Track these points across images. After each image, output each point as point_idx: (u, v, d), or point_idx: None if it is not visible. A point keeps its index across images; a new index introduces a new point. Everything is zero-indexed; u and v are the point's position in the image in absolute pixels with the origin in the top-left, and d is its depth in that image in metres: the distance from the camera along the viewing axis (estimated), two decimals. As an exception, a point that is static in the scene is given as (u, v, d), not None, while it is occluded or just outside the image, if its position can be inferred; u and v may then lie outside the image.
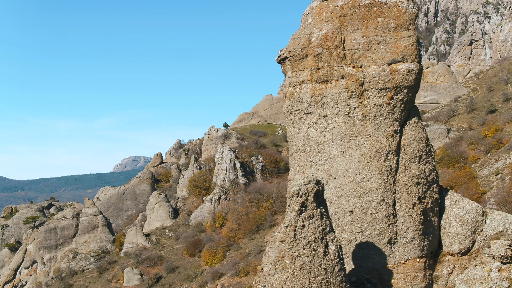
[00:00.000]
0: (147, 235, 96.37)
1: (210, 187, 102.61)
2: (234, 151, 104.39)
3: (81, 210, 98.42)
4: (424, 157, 15.75)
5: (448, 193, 16.70)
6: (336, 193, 15.34)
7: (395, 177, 15.31)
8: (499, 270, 15.48)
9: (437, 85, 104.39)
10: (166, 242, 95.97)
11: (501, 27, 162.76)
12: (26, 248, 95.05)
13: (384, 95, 15.23)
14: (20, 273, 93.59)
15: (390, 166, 15.23)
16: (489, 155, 75.97)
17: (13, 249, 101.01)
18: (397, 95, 15.33)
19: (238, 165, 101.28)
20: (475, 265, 15.60)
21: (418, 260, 15.30)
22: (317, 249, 13.00)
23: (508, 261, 15.57)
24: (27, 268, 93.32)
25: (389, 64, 15.30)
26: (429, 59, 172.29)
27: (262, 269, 13.02)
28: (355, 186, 15.15)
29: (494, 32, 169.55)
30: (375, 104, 15.23)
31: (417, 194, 15.35)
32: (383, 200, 15.06)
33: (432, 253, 15.98)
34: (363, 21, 15.31)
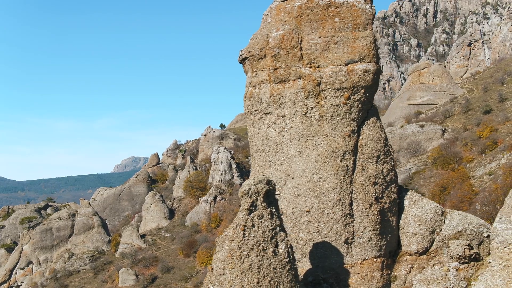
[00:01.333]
0: (142, 236, 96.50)
1: (206, 187, 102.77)
2: (230, 152, 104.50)
3: (76, 211, 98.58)
4: (382, 157, 15.77)
5: (408, 193, 16.72)
6: (294, 193, 15.38)
7: (352, 177, 15.34)
8: (457, 270, 15.48)
9: (433, 86, 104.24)
10: (161, 242, 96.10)
11: (500, 27, 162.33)
12: (22, 248, 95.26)
13: (341, 95, 15.27)
14: (16, 273, 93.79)
15: (347, 166, 15.26)
16: (483, 155, 75.90)
17: (9, 249, 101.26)
18: (354, 95, 15.36)
19: (234, 165, 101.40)
20: (433, 265, 15.61)
21: (375, 260, 15.32)
22: (266, 249, 13.04)
23: (466, 261, 15.58)
24: (23, 268, 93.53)
25: (346, 64, 15.34)
26: (428, 60, 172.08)
27: (212, 269, 13.07)
28: (312, 186, 15.18)
29: (493, 33, 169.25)
30: (332, 104, 15.27)
31: (374, 194, 15.37)
32: (340, 200, 15.09)
33: (391, 253, 15.99)
34: (320, 21, 15.35)
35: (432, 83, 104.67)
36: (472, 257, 15.71)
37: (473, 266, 15.62)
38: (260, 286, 12.80)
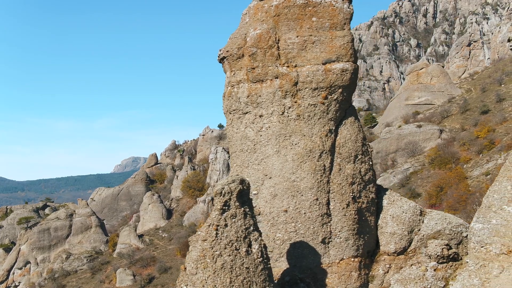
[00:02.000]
0: (140, 236, 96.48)
1: (204, 187, 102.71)
2: (228, 152, 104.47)
3: (74, 211, 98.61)
4: (360, 157, 15.73)
5: (387, 192, 16.67)
6: (272, 192, 15.35)
7: (329, 176, 15.30)
8: (435, 270, 15.44)
9: (431, 86, 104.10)
10: (159, 242, 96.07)
11: (500, 28, 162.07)
12: (20, 248, 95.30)
13: (318, 95, 15.23)
14: (14, 273, 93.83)
15: (324, 165, 15.22)
16: (480, 156, 75.74)
17: (7, 249, 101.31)
18: (331, 95, 15.32)
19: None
20: (411, 265, 15.57)
21: (352, 259, 15.28)
22: (239, 248, 13.01)
23: (444, 260, 15.53)
24: (21, 268, 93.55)
25: (323, 64, 15.29)
26: (428, 60, 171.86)
27: (185, 268, 13.05)
28: (289, 185, 15.15)
29: (492, 33, 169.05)
30: (309, 104, 15.23)
31: (351, 194, 15.33)
32: (317, 199, 15.06)
33: (369, 252, 15.95)
34: (297, 20, 15.32)
35: (430, 83, 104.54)
36: (451, 257, 15.67)
37: (451, 266, 15.58)
38: (233, 285, 12.77)
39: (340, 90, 15.38)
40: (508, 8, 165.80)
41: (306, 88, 15.21)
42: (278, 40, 15.43)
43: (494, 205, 14.75)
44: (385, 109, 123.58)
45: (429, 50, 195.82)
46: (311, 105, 15.23)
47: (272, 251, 15.27)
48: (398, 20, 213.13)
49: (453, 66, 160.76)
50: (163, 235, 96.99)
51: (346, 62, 15.38)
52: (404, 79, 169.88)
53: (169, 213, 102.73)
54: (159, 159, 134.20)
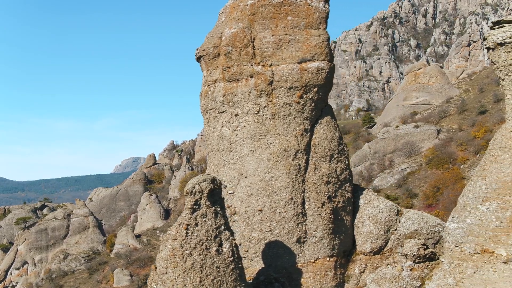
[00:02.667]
0: (138, 236, 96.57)
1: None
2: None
3: (72, 211, 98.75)
4: (335, 156, 15.68)
5: (364, 192, 16.61)
6: (247, 192, 15.31)
7: (304, 176, 15.26)
8: (411, 269, 15.39)
9: (429, 86, 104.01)
10: (156, 243, 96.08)
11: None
12: (17, 248, 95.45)
13: (294, 94, 15.19)
14: (11, 273, 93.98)
15: (299, 165, 15.18)
16: (478, 156, 75.59)
17: (5, 249, 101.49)
18: (306, 94, 15.28)
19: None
20: (387, 264, 15.52)
21: (328, 259, 15.23)
22: (209, 248, 12.98)
23: (420, 260, 15.48)
24: (18, 269, 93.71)
25: (299, 63, 15.26)
26: (428, 60, 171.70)
27: (156, 268, 13.03)
28: (264, 185, 15.11)
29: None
30: (284, 103, 15.20)
31: (327, 193, 15.29)
32: (292, 199, 15.02)
33: (345, 252, 15.90)
34: (273, 19, 15.29)
35: (428, 83, 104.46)
36: (428, 256, 15.62)
37: (428, 265, 15.53)
38: (203, 285, 12.74)
39: (315, 89, 15.35)
40: (507, 8, 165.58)
41: (281, 87, 15.18)
42: (253, 39, 15.41)
43: (469, 204, 14.72)
44: (383, 109, 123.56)
45: (428, 50, 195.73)
46: (286, 104, 15.20)
47: (247, 251, 15.24)
48: (397, 20, 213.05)
49: (453, 66, 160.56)
50: (161, 235, 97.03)
51: (321, 61, 15.34)
52: (403, 79, 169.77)
53: (167, 213, 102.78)
54: (157, 159, 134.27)
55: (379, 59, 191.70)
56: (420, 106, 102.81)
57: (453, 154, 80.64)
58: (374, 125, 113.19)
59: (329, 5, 15.69)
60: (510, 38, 13.80)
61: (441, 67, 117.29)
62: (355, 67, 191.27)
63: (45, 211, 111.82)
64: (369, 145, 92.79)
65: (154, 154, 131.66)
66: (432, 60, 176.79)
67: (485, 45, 14.55)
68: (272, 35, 15.29)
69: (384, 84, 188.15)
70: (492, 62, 14.69)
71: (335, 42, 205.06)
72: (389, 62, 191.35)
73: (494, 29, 14.36)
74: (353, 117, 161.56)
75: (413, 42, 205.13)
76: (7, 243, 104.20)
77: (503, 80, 14.34)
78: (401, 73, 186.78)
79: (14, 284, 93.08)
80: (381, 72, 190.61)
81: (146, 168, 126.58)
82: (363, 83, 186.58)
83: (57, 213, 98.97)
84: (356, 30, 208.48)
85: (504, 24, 14.13)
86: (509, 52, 13.87)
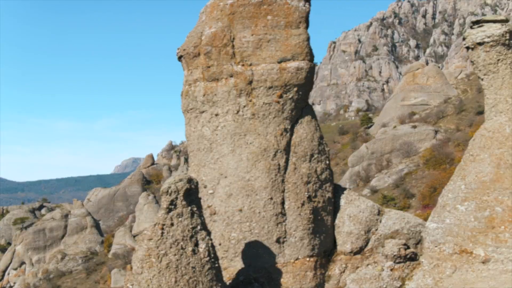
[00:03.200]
0: (135, 236, 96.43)
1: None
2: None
3: (69, 211, 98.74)
4: (316, 156, 15.64)
5: (345, 192, 16.58)
6: (227, 192, 15.28)
7: (284, 175, 15.22)
8: (391, 270, 15.34)
9: (427, 87, 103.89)
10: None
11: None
12: (15, 249, 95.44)
13: (273, 94, 15.16)
14: (9, 274, 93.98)
15: (279, 164, 15.15)
16: (475, 156, 75.53)
17: (4, 250, 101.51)
18: (286, 94, 15.25)
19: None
20: (367, 265, 15.47)
21: (308, 259, 15.18)
22: (185, 248, 12.95)
23: (401, 260, 15.43)
24: (16, 269, 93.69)
25: (279, 63, 15.24)
26: (427, 61, 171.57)
27: (131, 268, 13.00)
28: (244, 184, 15.08)
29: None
30: (264, 103, 15.17)
31: (306, 193, 15.25)
32: (271, 199, 14.98)
33: (326, 252, 15.86)
34: (252, 19, 15.26)
35: (426, 83, 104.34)
36: (409, 256, 15.57)
37: (408, 265, 15.48)
38: (178, 285, 12.71)
39: (295, 89, 15.32)
40: (507, 9, 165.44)
41: (260, 87, 15.16)
42: (233, 38, 15.38)
43: (448, 204, 14.68)
44: (381, 110, 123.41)
45: (428, 50, 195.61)
46: (266, 104, 15.17)
47: (227, 251, 15.20)
48: (397, 20, 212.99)
49: (452, 66, 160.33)
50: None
51: (301, 60, 15.31)
52: (402, 79, 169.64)
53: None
54: (156, 159, 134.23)
55: (378, 59, 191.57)
56: (418, 107, 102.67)
57: (450, 154, 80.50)
58: (372, 125, 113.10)
59: (309, 5, 15.67)
60: (488, 37, 13.78)
61: (439, 67, 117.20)
62: (354, 67, 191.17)
63: (43, 211, 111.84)
64: (366, 145, 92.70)
65: (152, 155, 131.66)
66: (431, 61, 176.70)
67: (464, 44, 14.51)
68: (252, 35, 15.27)
69: (384, 84, 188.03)
70: (471, 61, 14.66)
71: (334, 42, 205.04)
72: (388, 63, 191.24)
73: (474, 28, 14.33)
74: (353, 118, 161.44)
75: (412, 43, 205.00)
76: (5, 243, 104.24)
77: (482, 79, 14.31)
78: (401, 74, 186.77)
79: (12, 284, 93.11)
80: (380, 72, 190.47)
81: (145, 168, 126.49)
82: (363, 83, 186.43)
83: (55, 214, 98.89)
84: (355, 30, 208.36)
85: (483, 24, 14.11)
86: (488, 51, 13.84)
